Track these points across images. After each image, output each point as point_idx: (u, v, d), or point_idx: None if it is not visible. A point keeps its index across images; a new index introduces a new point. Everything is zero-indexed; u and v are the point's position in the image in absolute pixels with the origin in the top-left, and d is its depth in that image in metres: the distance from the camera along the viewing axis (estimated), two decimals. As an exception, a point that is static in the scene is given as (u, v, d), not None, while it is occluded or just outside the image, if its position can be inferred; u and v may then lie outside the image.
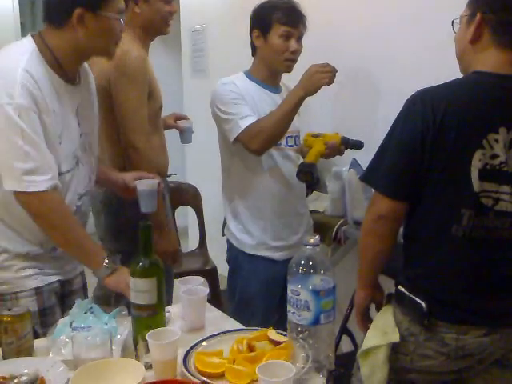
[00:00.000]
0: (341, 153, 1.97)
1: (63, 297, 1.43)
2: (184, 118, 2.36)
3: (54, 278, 1.38)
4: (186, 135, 2.29)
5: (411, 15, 2.25)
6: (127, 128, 1.79)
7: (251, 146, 1.77)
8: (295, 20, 1.82)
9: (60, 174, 1.32)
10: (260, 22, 1.84)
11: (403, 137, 1.21)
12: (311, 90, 1.72)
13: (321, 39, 2.60)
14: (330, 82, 1.73)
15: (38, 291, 1.33)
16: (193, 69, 3.94)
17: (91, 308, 1.22)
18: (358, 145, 1.96)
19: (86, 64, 1.46)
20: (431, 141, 1.16)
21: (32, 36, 1.33)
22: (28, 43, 1.30)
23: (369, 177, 1.30)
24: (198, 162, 3.96)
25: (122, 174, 1.62)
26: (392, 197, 1.22)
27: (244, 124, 1.75)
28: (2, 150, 1.24)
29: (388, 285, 1.43)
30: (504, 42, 1.18)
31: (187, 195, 3.13)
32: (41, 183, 1.23)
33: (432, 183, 1.19)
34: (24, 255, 1.34)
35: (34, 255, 1.35)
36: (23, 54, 1.27)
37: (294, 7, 1.84)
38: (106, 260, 1.31)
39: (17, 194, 1.24)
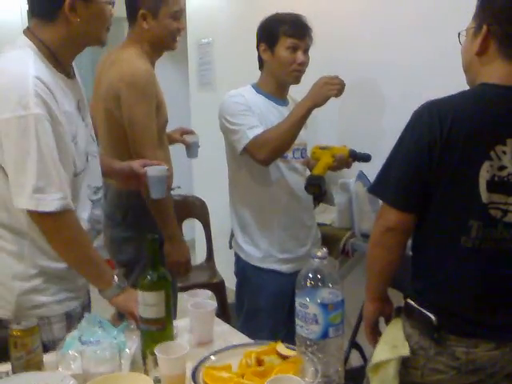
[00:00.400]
0: (348, 165, 1.98)
1: None
2: (190, 132, 2.36)
3: (78, 303, 1.36)
4: (192, 150, 2.28)
5: (417, 26, 2.26)
6: (136, 142, 1.80)
7: (258, 155, 1.77)
8: (301, 32, 1.85)
9: (76, 175, 1.29)
10: (267, 36, 1.86)
11: (410, 148, 1.21)
12: (320, 101, 1.74)
13: (326, 51, 2.62)
14: (339, 94, 1.75)
15: (67, 316, 1.31)
16: (200, 82, 3.97)
17: (100, 322, 1.22)
18: (365, 157, 1.97)
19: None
20: (439, 152, 1.16)
21: (24, 33, 1.27)
22: (26, 44, 1.25)
23: (377, 189, 1.30)
24: (205, 175, 3.97)
25: (127, 162, 1.61)
26: (400, 208, 1.22)
27: (252, 134, 1.76)
28: (15, 165, 1.19)
29: (397, 298, 1.42)
30: (510, 54, 1.18)
31: (194, 208, 3.14)
32: (51, 202, 1.18)
33: (440, 195, 1.19)
34: (58, 276, 1.31)
35: (64, 274, 1.31)
36: (27, 58, 1.22)
37: (300, 20, 1.87)
38: (116, 278, 1.29)
39: (28, 211, 1.20)
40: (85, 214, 1.35)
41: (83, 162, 1.33)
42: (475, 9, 1.23)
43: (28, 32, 1.28)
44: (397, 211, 1.22)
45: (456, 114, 1.16)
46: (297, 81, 1.90)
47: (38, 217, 1.20)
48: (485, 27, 1.18)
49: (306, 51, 1.87)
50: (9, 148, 1.18)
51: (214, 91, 3.72)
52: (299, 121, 1.75)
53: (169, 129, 2.14)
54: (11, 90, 1.18)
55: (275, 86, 1.91)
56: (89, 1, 1.25)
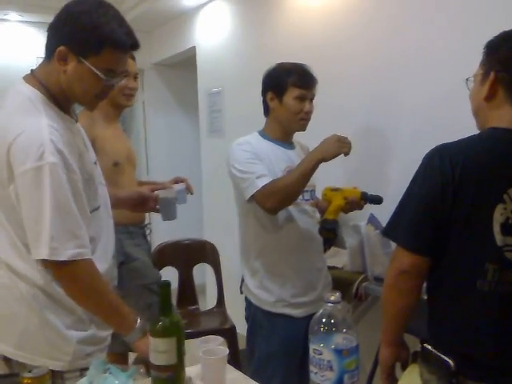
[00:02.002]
0: (360, 207, 1.97)
1: None
2: (181, 180, 2.10)
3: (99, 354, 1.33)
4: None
5: (421, 69, 2.31)
6: None
7: (266, 204, 1.79)
8: (309, 83, 1.91)
9: (95, 209, 1.30)
10: (275, 85, 1.91)
11: (423, 192, 1.21)
12: (329, 156, 1.77)
13: (332, 96, 2.69)
14: (348, 152, 1.78)
15: (81, 373, 1.26)
16: (210, 129, 4.06)
17: (108, 368, 1.21)
18: (377, 200, 1.96)
19: None
20: (452, 196, 1.16)
21: (25, 79, 1.27)
22: (29, 91, 1.24)
23: (390, 231, 1.30)
24: (215, 219, 3.99)
25: (134, 189, 1.65)
26: (414, 251, 1.21)
27: (260, 183, 1.78)
28: (30, 216, 1.17)
29: (413, 343, 1.39)
30: None
31: (205, 252, 3.13)
32: (65, 252, 1.16)
33: (455, 238, 1.18)
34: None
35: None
36: (35, 105, 1.21)
37: (307, 71, 1.93)
38: (139, 321, 1.27)
39: (43, 261, 1.19)
40: (109, 247, 1.36)
41: (96, 198, 1.34)
42: (482, 55, 1.26)
43: (29, 76, 1.28)
44: (411, 254, 1.21)
45: (467, 158, 1.17)
46: (303, 128, 1.96)
47: (52, 266, 1.19)
48: (492, 74, 1.21)
49: (311, 100, 1.93)
50: (25, 200, 1.17)
51: (224, 138, 3.79)
52: (308, 172, 1.78)
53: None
54: (28, 142, 1.17)
55: (281, 132, 1.95)
56: (81, 61, 1.22)
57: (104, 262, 1.33)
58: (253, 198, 1.81)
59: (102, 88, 1.27)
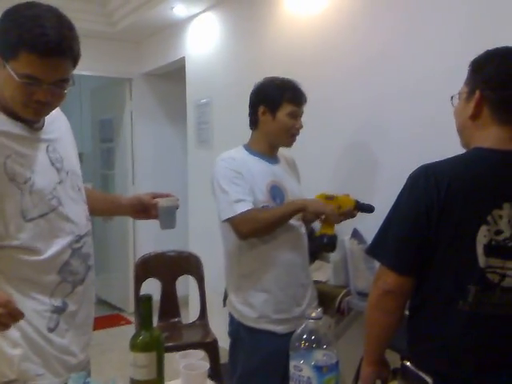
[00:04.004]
0: (353, 216, 1.93)
1: None
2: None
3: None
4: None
5: (407, 93, 2.35)
6: None
7: (243, 230, 1.81)
8: (302, 100, 1.93)
9: (32, 219, 1.25)
10: (269, 100, 1.91)
11: (407, 212, 1.21)
12: (312, 210, 1.84)
13: (320, 108, 2.72)
14: (334, 217, 1.83)
15: None
16: (197, 140, 4.06)
17: (88, 382, 1.19)
18: (369, 209, 1.92)
19: (56, 109, 1.36)
20: (437, 216, 1.16)
21: None
22: None
23: (374, 250, 1.29)
24: (200, 231, 3.98)
25: (134, 195, 1.64)
26: (399, 271, 1.21)
27: (238, 209, 1.79)
28: None
29: (393, 359, 1.39)
30: (504, 119, 1.20)
31: (189, 264, 3.12)
32: None
33: (439, 258, 1.18)
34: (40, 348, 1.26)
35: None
36: None
37: (299, 88, 1.95)
38: None
39: None
40: (59, 260, 1.30)
41: (46, 205, 1.28)
42: (467, 74, 1.27)
43: None
44: (395, 274, 1.21)
45: (452, 179, 1.17)
46: (291, 145, 1.97)
47: None
48: (478, 92, 1.21)
49: (301, 117, 1.95)
50: None
51: (211, 149, 3.80)
52: (287, 216, 1.84)
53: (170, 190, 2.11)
54: None
55: (267, 146, 1.96)
56: (6, 62, 1.18)
57: (48, 272, 1.29)
58: (228, 220, 1.82)
59: (26, 94, 1.20)
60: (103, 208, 1.66)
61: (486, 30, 2.04)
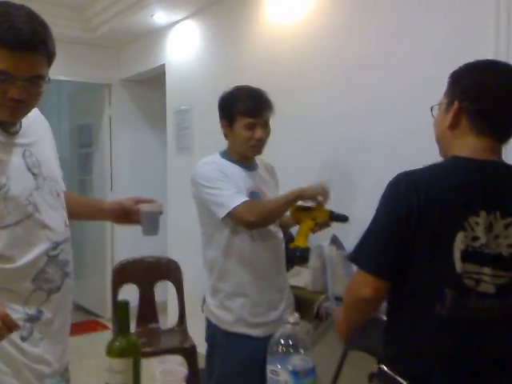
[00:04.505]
0: (328, 226, 1.97)
1: None
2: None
3: None
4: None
5: (389, 102, 2.39)
6: None
7: (250, 218, 1.79)
8: (258, 111, 1.88)
9: (6, 226, 1.22)
10: (225, 114, 1.92)
11: (387, 217, 1.23)
12: (309, 194, 1.87)
13: (301, 124, 2.75)
14: (326, 199, 1.88)
15: None
16: (177, 146, 4.05)
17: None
18: (344, 218, 1.96)
19: (34, 111, 1.34)
20: (416, 221, 1.18)
21: None
22: None
23: (354, 256, 1.31)
24: (179, 237, 3.96)
25: (116, 200, 1.60)
26: (375, 275, 1.23)
27: (238, 200, 1.79)
28: None
29: (368, 363, 1.41)
30: (481, 130, 1.23)
31: (168, 270, 3.10)
32: None
33: (417, 263, 1.20)
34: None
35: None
36: None
37: (256, 98, 1.90)
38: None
39: None
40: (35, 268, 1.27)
41: (22, 211, 1.25)
42: (447, 85, 1.30)
43: None
44: (372, 278, 1.23)
45: (431, 185, 1.19)
46: (257, 153, 1.97)
47: None
48: (456, 103, 1.24)
49: (265, 124, 1.92)
50: None
51: (192, 155, 3.80)
52: (289, 202, 1.86)
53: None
54: None
55: (240, 155, 1.96)
56: None
57: (22, 280, 1.26)
58: (229, 214, 1.79)
59: (0, 92, 1.18)
60: (81, 212, 1.62)
61: (464, 41, 2.09)
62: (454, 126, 1.25)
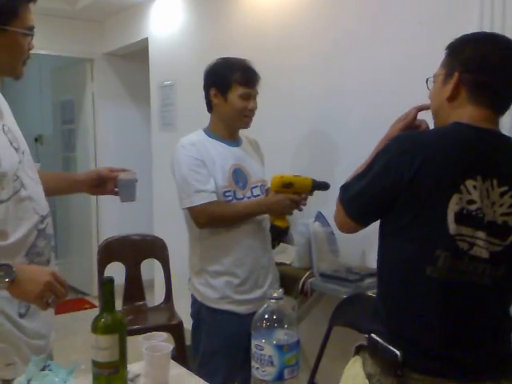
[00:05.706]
0: (311, 195, 1.97)
1: None
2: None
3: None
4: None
5: (368, 81, 2.39)
6: None
7: (201, 220, 1.85)
8: (253, 81, 1.90)
9: (1, 201, 1.22)
10: (218, 82, 1.89)
11: (379, 171, 1.23)
12: (273, 213, 1.93)
13: (282, 102, 2.72)
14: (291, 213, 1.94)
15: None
16: (161, 122, 4.01)
17: (48, 365, 1.18)
18: (325, 186, 1.96)
19: None
20: (409, 181, 1.17)
21: None
22: None
23: (343, 190, 1.33)
24: (165, 215, 3.95)
25: (92, 169, 1.65)
26: (355, 221, 1.29)
27: (196, 200, 1.82)
28: None
29: (355, 336, 1.43)
30: (480, 100, 1.23)
31: (154, 248, 3.10)
32: None
33: (408, 223, 1.20)
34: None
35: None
36: None
37: (251, 68, 1.92)
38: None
39: None
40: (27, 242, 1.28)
41: (11, 187, 1.25)
42: (444, 56, 1.29)
43: None
44: (350, 220, 1.29)
45: (429, 147, 1.19)
46: (247, 126, 1.96)
47: None
48: (456, 74, 1.23)
49: (255, 97, 1.93)
50: None
51: (176, 131, 3.76)
52: (250, 216, 1.90)
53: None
54: None
55: (226, 129, 1.94)
56: (6, 30, 1.20)
57: (16, 255, 1.26)
58: (189, 208, 1.85)
59: (29, 49, 1.27)
60: (56, 187, 1.61)
61: (449, 16, 2.08)
62: (453, 97, 1.25)
